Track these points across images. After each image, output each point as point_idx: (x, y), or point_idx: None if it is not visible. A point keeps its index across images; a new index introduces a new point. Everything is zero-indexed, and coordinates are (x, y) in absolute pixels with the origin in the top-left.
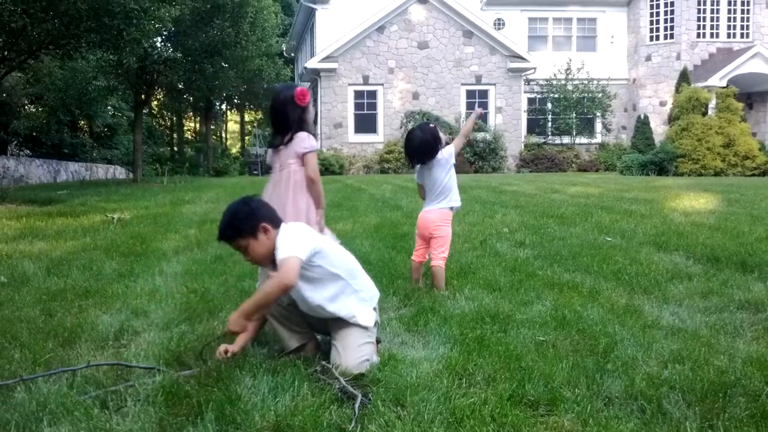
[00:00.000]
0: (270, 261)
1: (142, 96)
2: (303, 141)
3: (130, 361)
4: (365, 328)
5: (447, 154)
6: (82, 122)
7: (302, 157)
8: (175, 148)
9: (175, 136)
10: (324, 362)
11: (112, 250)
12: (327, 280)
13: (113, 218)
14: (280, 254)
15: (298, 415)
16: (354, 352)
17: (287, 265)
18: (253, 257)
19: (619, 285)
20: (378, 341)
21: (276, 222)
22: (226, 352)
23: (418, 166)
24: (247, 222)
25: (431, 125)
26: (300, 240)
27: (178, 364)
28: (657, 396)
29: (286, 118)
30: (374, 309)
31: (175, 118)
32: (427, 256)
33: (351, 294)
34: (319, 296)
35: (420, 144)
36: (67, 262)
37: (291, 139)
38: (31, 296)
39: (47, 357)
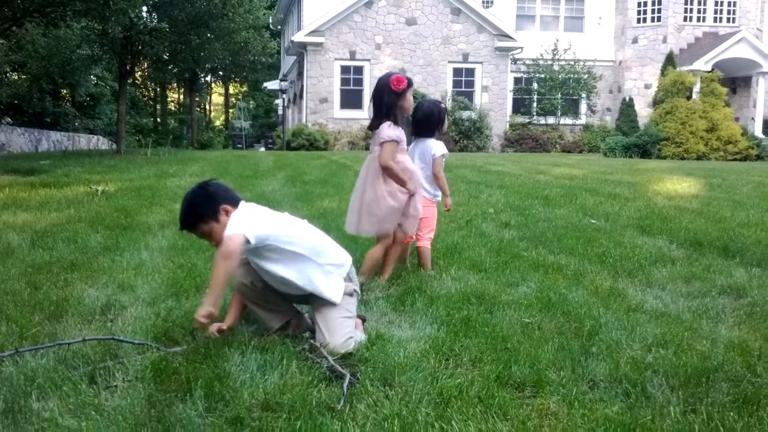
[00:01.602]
0: None
1: (127, 66)
2: (382, 131)
3: (118, 336)
4: (337, 302)
5: (436, 146)
6: (65, 91)
7: (381, 146)
8: (159, 120)
9: (158, 107)
10: (312, 341)
11: (96, 222)
12: (287, 258)
13: (97, 190)
14: (226, 232)
15: (287, 393)
16: (337, 330)
17: (229, 241)
18: (219, 241)
19: (603, 268)
20: (364, 320)
21: (235, 202)
22: (219, 331)
23: (413, 142)
24: (206, 206)
25: (442, 105)
26: (249, 219)
27: (166, 340)
28: (641, 380)
29: (381, 102)
30: (350, 279)
31: (158, 89)
32: (414, 237)
33: (315, 269)
34: (283, 272)
35: (423, 115)
36: (52, 234)
37: (377, 127)
38: (16, 269)
39: (34, 331)
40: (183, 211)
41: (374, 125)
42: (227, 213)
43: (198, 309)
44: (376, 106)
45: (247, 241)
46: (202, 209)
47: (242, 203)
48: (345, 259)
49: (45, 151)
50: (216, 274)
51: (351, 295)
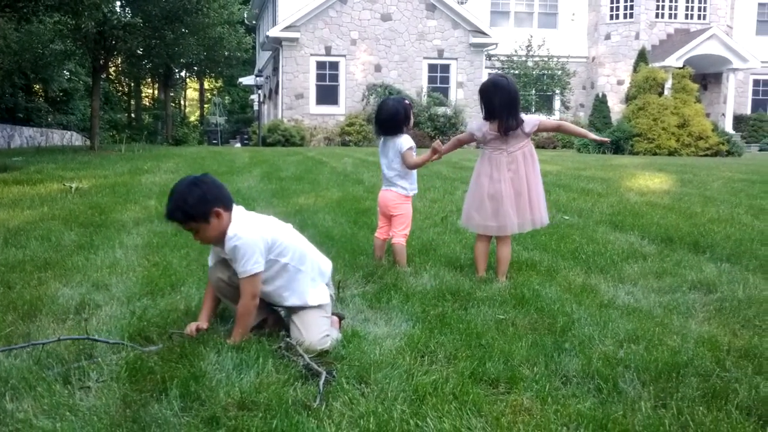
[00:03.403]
0: (220, 241)
1: (101, 61)
2: (533, 119)
3: (92, 336)
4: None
5: (404, 143)
6: (37, 86)
7: (536, 129)
8: (133, 115)
9: (132, 102)
10: (288, 339)
11: (70, 220)
12: (277, 273)
13: (71, 187)
14: (241, 269)
15: (263, 392)
16: (314, 329)
17: (251, 285)
18: (203, 239)
19: (576, 264)
20: (341, 318)
21: (228, 204)
22: (197, 330)
23: (382, 139)
24: (198, 207)
25: (406, 101)
26: (257, 246)
27: (141, 339)
28: (613, 375)
29: (518, 100)
30: (327, 284)
31: (132, 84)
32: (390, 234)
33: (301, 279)
34: (271, 287)
35: (389, 114)
36: (25, 232)
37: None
38: None
39: (8, 331)
40: (173, 205)
41: (513, 125)
42: (218, 216)
43: (232, 337)
44: (514, 106)
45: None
46: (194, 209)
47: (235, 209)
48: (327, 266)
49: (18, 147)
50: (242, 315)
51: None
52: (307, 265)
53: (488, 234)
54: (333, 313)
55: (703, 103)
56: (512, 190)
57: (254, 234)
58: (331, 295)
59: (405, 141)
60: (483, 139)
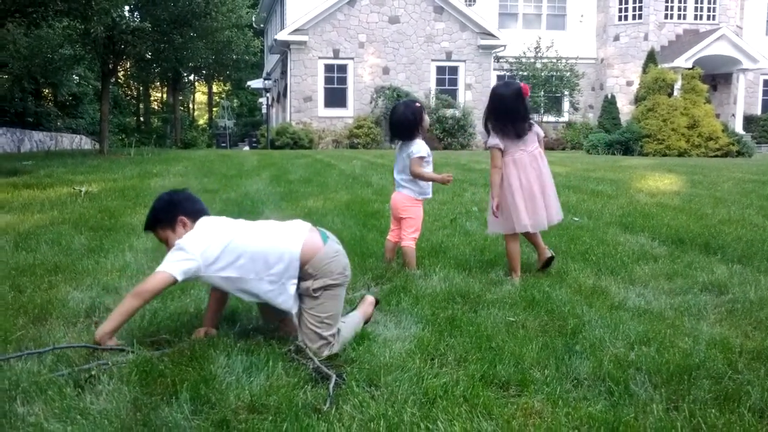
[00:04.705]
0: None
1: (110, 66)
2: (537, 127)
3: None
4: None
5: (417, 150)
6: (47, 91)
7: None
8: (142, 119)
9: (141, 106)
10: (298, 342)
11: (80, 224)
12: (224, 282)
13: (81, 191)
14: (159, 267)
15: (273, 395)
16: (311, 336)
17: (151, 279)
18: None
19: (586, 266)
20: (377, 302)
21: (195, 216)
22: (206, 335)
23: (399, 142)
24: (164, 213)
25: (417, 104)
26: (188, 252)
27: (150, 343)
28: (624, 378)
29: (527, 107)
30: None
31: (141, 88)
32: (400, 237)
33: (256, 283)
34: (246, 287)
35: (398, 120)
36: (35, 236)
37: (529, 129)
38: None
39: (18, 335)
40: (148, 213)
41: (525, 130)
42: (184, 225)
43: (99, 328)
44: (524, 111)
45: (175, 280)
46: (160, 215)
47: (201, 220)
48: (288, 255)
49: (28, 151)
50: (122, 307)
51: (323, 289)
52: (259, 273)
53: (526, 231)
54: (368, 294)
55: (713, 103)
56: (538, 187)
57: (203, 234)
58: (327, 284)
59: (418, 147)
60: (504, 146)
